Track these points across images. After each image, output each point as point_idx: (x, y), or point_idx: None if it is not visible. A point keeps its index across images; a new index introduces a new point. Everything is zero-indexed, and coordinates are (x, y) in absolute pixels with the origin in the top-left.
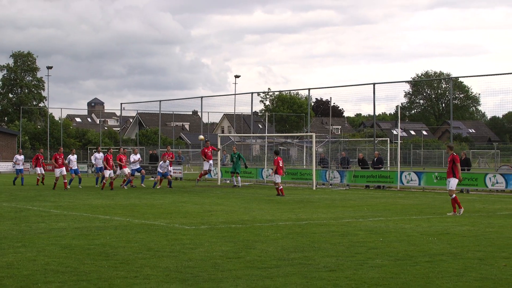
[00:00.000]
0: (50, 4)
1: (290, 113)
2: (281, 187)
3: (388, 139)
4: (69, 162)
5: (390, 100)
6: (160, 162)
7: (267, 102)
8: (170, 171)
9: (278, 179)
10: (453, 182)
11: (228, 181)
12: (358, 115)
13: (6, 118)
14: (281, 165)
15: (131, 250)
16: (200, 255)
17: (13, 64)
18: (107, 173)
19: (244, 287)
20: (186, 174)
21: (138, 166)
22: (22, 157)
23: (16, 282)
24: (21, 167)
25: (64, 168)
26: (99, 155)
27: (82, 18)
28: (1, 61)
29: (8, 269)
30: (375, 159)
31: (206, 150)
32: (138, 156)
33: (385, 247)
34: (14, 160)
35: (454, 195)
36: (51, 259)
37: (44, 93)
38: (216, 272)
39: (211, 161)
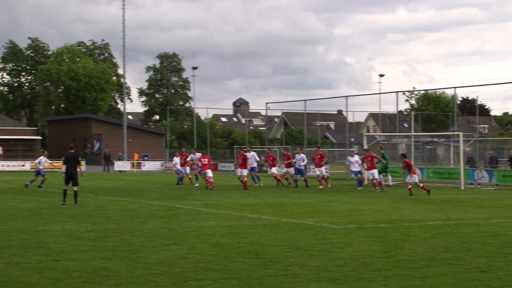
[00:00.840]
0: (195, 6)
1: (436, 112)
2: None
3: None
4: (192, 160)
5: None
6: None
7: (412, 101)
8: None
9: (415, 178)
10: None
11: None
12: (506, 113)
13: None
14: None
15: (280, 248)
16: (349, 254)
17: (159, 65)
18: (244, 172)
19: (394, 287)
20: (332, 173)
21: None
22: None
23: (168, 279)
24: (179, 167)
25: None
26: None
27: (225, 19)
28: (148, 62)
29: (160, 266)
30: None
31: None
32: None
33: None
34: (173, 163)
35: None
36: (202, 257)
37: (190, 93)
38: (365, 271)
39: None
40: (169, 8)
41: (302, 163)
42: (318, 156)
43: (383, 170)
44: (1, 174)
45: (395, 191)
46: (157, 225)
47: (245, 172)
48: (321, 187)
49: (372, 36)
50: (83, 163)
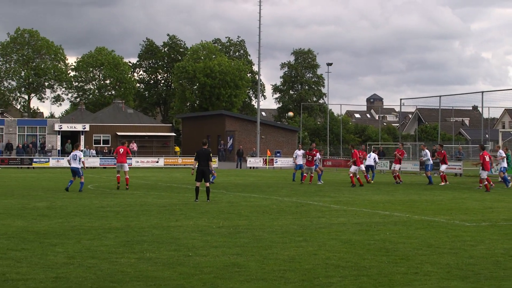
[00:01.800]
0: (331, 2)
1: None
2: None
3: None
4: (296, 157)
5: None
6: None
7: None
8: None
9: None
10: None
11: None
12: None
13: (287, 114)
14: (487, 160)
15: (411, 246)
16: (481, 252)
17: (294, 62)
18: (354, 168)
19: None
20: (466, 170)
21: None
22: (301, 151)
23: (297, 275)
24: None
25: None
26: (300, 152)
27: (361, 14)
28: (282, 58)
29: (290, 262)
30: None
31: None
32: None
33: None
34: (294, 156)
35: None
36: (332, 253)
37: (324, 90)
38: (498, 270)
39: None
40: (304, 4)
41: (424, 158)
42: (442, 156)
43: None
44: (135, 170)
45: None
46: (288, 221)
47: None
48: (442, 184)
49: (510, 31)
50: (215, 159)
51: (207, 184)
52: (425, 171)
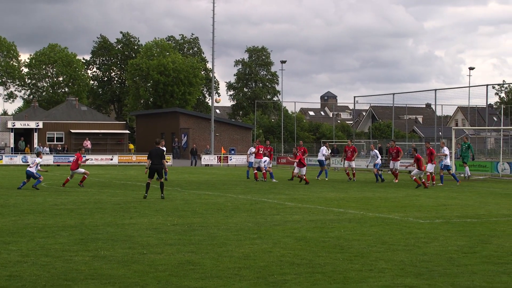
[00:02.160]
0: (284, 0)
1: None
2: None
3: None
4: (249, 154)
5: None
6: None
7: (502, 94)
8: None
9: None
10: None
11: (461, 175)
12: None
13: (241, 112)
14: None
15: (366, 243)
16: (435, 249)
17: (248, 59)
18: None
19: (481, 282)
20: None
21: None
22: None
23: (252, 273)
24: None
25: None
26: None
27: (315, 13)
28: (236, 56)
29: (245, 260)
30: None
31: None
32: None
33: None
34: (248, 153)
35: None
36: (286, 251)
37: (278, 87)
38: (451, 266)
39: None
40: (258, 2)
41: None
42: (395, 151)
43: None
44: (89, 168)
45: (483, 185)
46: (243, 219)
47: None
48: (396, 181)
49: (463, 29)
50: (169, 157)
51: (161, 179)
52: (374, 167)
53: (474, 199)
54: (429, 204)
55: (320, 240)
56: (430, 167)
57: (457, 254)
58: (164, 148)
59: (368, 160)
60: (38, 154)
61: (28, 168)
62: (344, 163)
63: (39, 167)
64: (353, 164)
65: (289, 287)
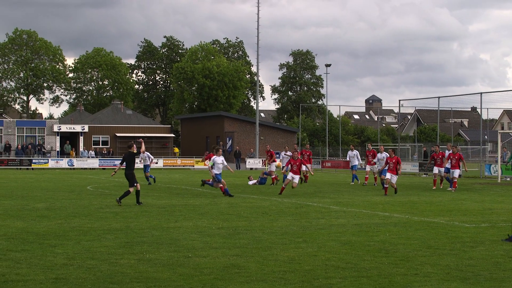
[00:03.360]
0: (328, 3)
1: None
2: None
3: None
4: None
5: None
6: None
7: None
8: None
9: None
10: None
11: (508, 179)
12: None
13: (285, 116)
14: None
15: (411, 247)
16: (481, 253)
17: (292, 63)
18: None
19: None
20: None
21: None
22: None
23: (297, 277)
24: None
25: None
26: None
27: (359, 16)
28: (281, 59)
29: (290, 263)
30: None
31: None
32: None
33: None
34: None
35: None
36: (332, 254)
37: (322, 91)
38: (497, 271)
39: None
40: (302, 6)
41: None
42: (440, 156)
43: None
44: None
45: None
46: (288, 222)
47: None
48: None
49: (508, 32)
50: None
51: (131, 189)
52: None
53: None
54: (474, 208)
55: (365, 244)
56: (456, 173)
57: (503, 259)
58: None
59: (377, 164)
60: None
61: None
62: (366, 167)
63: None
64: (375, 168)
65: None
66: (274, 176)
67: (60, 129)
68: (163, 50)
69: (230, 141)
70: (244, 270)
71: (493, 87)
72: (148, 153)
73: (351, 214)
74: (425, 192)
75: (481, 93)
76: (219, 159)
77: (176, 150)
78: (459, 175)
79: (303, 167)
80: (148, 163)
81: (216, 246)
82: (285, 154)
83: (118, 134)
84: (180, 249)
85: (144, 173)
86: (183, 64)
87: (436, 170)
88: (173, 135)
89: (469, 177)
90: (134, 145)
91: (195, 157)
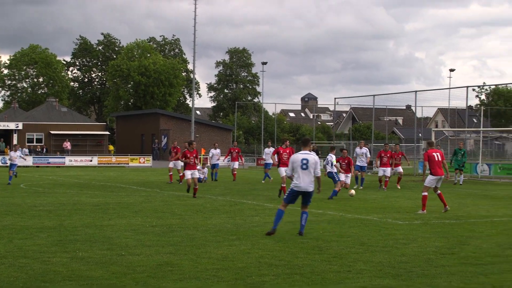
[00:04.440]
0: (265, 1)
1: (506, 107)
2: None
3: None
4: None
5: None
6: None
7: (482, 96)
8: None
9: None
10: None
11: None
12: None
13: (221, 113)
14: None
15: (344, 244)
16: (414, 250)
17: (229, 60)
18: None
19: (458, 283)
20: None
21: None
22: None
23: (231, 274)
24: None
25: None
26: (216, 151)
27: (296, 14)
28: (217, 57)
29: (223, 261)
30: None
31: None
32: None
33: None
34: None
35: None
36: (265, 252)
37: (258, 89)
38: (429, 267)
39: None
40: (240, 4)
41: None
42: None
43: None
44: (69, 169)
45: (462, 187)
46: (222, 220)
47: None
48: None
49: (444, 31)
50: (149, 158)
51: None
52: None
53: (452, 201)
54: (407, 205)
55: (299, 241)
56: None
57: (435, 255)
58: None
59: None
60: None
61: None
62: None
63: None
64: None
65: None
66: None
67: None
68: (100, 48)
69: (166, 138)
70: (177, 268)
71: (428, 86)
72: (20, 151)
73: (286, 212)
74: (359, 190)
75: (416, 92)
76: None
77: (111, 148)
78: (399, 173)
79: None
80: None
81: (149, 244)
82: (214, 150)
83: (52, 132)
84: (113, 247)
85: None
86: (119, 61)
87: (381, 171)
88: (108, 133)
89: (403, 174)
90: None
91: (130, 155)
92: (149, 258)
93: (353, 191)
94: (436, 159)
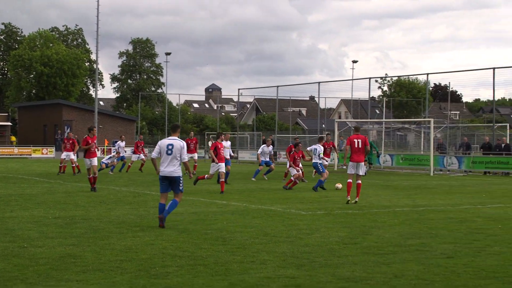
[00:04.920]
0: None
1: (408, 98)
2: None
3: (508, 124)
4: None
5: (510, 85)
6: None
7: (385, 88)
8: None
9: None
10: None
11: (344, 167)
12: (477, 100)
13: (125, 104)
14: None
15: (248, 235)
16: (317, 240)
17: (132, 51)
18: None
19: (361, 273)
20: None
21: None
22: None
23: (134, 266)
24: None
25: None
26: (123, 144)
27: (200, 5)
28: (120, 47)
29: (127, 252)
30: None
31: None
32: None
33: (504, 234)
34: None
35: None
36: (169, 243)
37: (162, 79)
38: (332, 257)
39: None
40: None
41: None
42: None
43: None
44: None
45: (364, 177)
46: (125, 211)
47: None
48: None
49: (347, 23)
50: (52, 149)
51: None
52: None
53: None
54: (311, 196)
55: (203, 232)
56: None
57: (338, 245)
58: None
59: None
60: None
61: None
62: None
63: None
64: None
65: (171, 280)
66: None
67: None
68: (1, 37)
69: (69, 129)
70: (80, 260)
71: (331, 77)
72: None
73: (189, 203)
74: (263, 180)
75: (319, 83)
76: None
77: (13, 138)
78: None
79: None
80: None
81: (52, 236)
82: (121, 143)
83: None
84: (15, 239)
85: None
86: (21, 51)
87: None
88: (10, 124)
89: (307, 165)
90: None
91: (33, 146)
92: (52, 250)
93: (339, 185)
94: (356, 145)
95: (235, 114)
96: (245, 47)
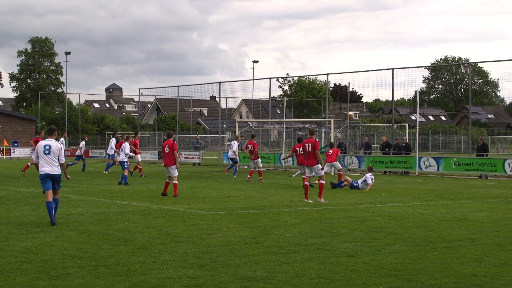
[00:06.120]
0: None
1: (308, 98)
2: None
3: (407, 124)
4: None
5: (409, 86)
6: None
7: (286, 88)
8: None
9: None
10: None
11: (246, 167)
12: (377, 100)
13: (24, 104)
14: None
15: (149, 235)
16: (218, 240)
17: (31, 50)
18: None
19: (262, 272)
20: (205, 160)
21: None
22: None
23: (34, 267)
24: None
25: None
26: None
27: (100, 4)
28: (19, 46)
29: (27, 254)
30: (403, 145)
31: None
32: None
33: (404, 233)
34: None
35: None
36: (70, 244)
37: (62, 79)
38: (234, 257)
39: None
40: None
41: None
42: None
43: None
44: None
45: (266, 177)
46: (25, 212)
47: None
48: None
49: (247, 23)
50: None
51: None
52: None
53: (257, 191)
54: (212, 195)
55: (104, 233)
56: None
57: (240, 245)
58: None
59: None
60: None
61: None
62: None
63: None
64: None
65: (71, 281)
66: None
67: None
68: None
69: None
70: None
71: (232, 77)
72: None
73: (90, 203)
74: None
75: (220, 83)
76: None
77: None
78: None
79: None
80: None
81: None
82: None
83: None
84: None
85: None
86: None
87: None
88: None
89: (208, 165)
90: None
91: None
92: None
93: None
94: (307, 149)
95: (136, 114)
96: (145, 47)
